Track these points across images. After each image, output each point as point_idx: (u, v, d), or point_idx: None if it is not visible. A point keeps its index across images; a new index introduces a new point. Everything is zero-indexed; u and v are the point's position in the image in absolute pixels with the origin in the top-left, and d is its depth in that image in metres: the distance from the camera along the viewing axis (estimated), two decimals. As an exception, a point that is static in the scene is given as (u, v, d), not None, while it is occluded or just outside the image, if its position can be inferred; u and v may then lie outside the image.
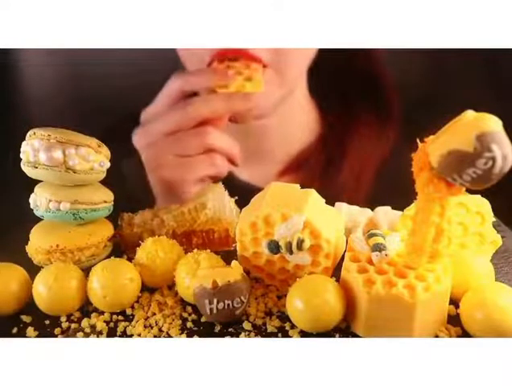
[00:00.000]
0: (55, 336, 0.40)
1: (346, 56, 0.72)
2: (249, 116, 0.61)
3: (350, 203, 0.51)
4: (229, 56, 0.59)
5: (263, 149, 0.75)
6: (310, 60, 0.67)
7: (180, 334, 0.40)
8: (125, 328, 0.40)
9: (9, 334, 0.40)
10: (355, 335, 0.39)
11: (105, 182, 0.48)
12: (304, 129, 0.78)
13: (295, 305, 0.39)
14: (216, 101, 0.56)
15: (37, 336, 0.40)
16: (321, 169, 0.75)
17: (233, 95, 0.56)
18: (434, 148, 0.34)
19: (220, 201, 0.50)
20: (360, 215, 0.50)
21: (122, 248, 0.50)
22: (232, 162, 0.59)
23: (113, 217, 0.50)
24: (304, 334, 0.39)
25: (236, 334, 0.39)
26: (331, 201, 0.48)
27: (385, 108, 0.78)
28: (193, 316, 0.41)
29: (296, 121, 0.76)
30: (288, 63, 0.63)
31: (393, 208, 0.50)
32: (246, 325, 0.40)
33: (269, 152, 0.75)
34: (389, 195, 0.52)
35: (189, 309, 0.42)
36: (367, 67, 0.77)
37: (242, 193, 0.51)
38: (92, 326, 0.41)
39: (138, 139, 0.59)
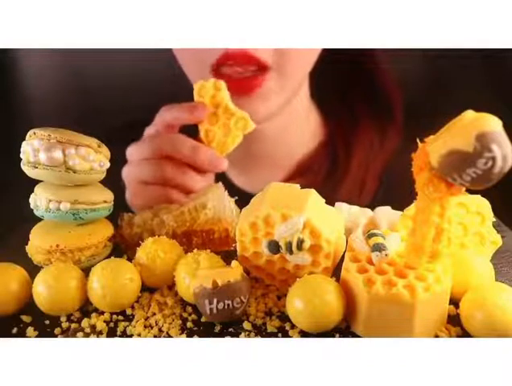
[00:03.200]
0: (55, 336, 0.40)
1: (348, 59, 0.72)
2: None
3: (352, 203, 0.51)
4: (231, 60, 0.59)
5: (264, 155, 0.74)
6: (312, 63, 0.66)
7: (180, 334, 0.40)
8: (125, 328, 0.40)
9: (9, 334, 0.40)
10: (355, 335, 0.39)
11: (105, 183, 0.49)
12: (307, 135, 0.77)
13: (295, 305, 0.39)
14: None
15: (37, 336, 0.40)
16: (325, 174, 0.75)
17: (202, 150, 0.56)
18: (434, 148, 0.34)
19: (220, 201, 0.50)
20: (360, 215, 0.50)
21: (122, 248, 0.51)
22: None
23: (113, 217, 0.50)
24: (304, 334, 0.39)
25: (236, 334, 0.39)
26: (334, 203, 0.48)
27: (388, 111, 0.78)
28: (193, 316, 0.41)
29: (299, 126, 0.75)
30: (291, 66, 0.62)
31: (393, 208, 0.50)
32: (246, 325, 0.40)
33: (270, 158, 0.74)
34: (389, 195, 0.52)
35: (189, 309, 0.42)
36: (369, 70, 0.77)
37: (241, 195, 0.51)
38: (92, 326, 0.41)
39: (127, 153, 0.60)
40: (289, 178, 0.74)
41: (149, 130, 0.60)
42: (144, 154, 0.57)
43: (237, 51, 0.58)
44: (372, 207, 0.51)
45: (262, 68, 0.60)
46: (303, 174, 0.75)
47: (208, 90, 0.56)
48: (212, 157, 0.56)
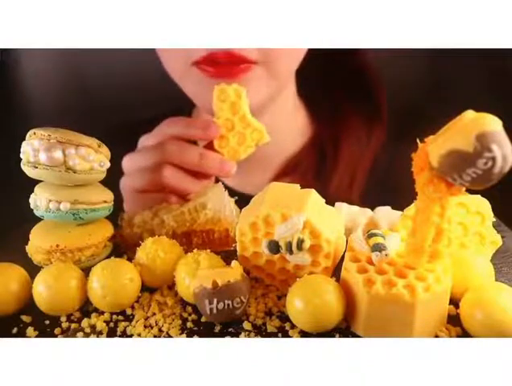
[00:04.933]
0: (55, 336, 0.40)
1: (334, 58, 0.72)
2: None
3: (341, 200, 0.51)
4: (215, 58, 0.59)
5: (252, 154, 0.74)
6: (300, 59, 0.67)
7: (180, 334, 0.40)
8: (125, 328, 0.40)
9: (9, 334, 0.40)
10: (355, 335, 0.39)
11: (105, 183, 0.49)
12: (295, 132, 0.77)
13: (295, 305, 0.39)
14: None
15: (37, 336, 0.40)
16: (313, 172, 0.75)
17: (207, 155, 0.55)
18: (434, 148, 0.34)
19: (220, 201, 0.50)
20: (360, 215, 0.50)
21: (122, 248, 0.50)
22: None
23: (113, 217, 0.50)
24: (304, 334, 0.39)
25: (236, 334, 0.39)
26: (327, 203, 0.48)
27: (373, 109, 0.78)
28: (193, 316, 0.41)
29: (286, 124, 0.75)
30: (278, 61, 0.62)
31: (393, 208, 0.50)
32: (246, 325, 0.40)
33: (258, 156, 0.74)
34: (388, 195, 0.52)
35: (189, 309, 0.42)
36: (355, 68, 0.77)
37: (232, 195, 0.51)
38: (92, 326, 0.41)
39: (123, 164, 0.59)
40: (277, 177, 0.74)
41: (146, 141, 0.58)
42: (144, 163, 0.56)
43: (221, 51, 0.58)
44: (366, 203, 0.51)
45: (248, 63, 0.60)
46: (292, 172, 0.75)
47: (230, 95, 0.55)
48: (221, 162, 0.55)
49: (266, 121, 0.69)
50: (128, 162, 0.58)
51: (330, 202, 0.50)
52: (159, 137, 0.57)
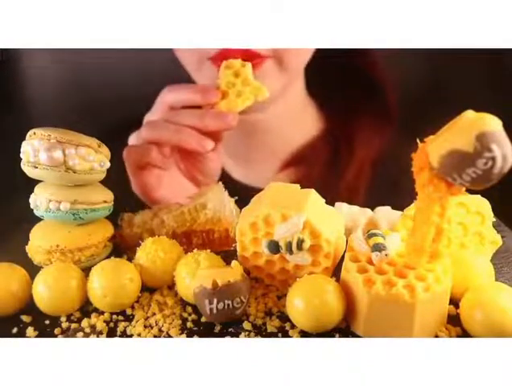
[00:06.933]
0: (55, 336, 0.40)
1: (345, 57, 0.72)
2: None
3: (350, 202, 0.51)
4: (229, 54, 0.59)
5: (260, 147, 0.75)
6: (309, 54, 0.67)
7: (180, 334, 0.40)
8: (125, 328, 0.40)
9: (9, 334, 0.40)
10: (355, 335, 0.39)
11: (105, 183, 0.49)
12: (303, 127, 0.78)
13: (295, 305, 0.39)
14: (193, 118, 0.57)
15: (37, 336, 0.40)
16: (319, 166, 0.75)
17: (207, 113, 0.57)
18: (434, 148, 0.34)
19: (220, 201, 0.50)
20: (360, 215, 0.50)
21: (122, 248, 0.51)
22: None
23: (113, 217, 0.50)
24: (304, 334, 0.39)
25: (236, 334, 0.39)
26: (330, 200, 0.48)
27: (383, 110, 0.78)
28: (193, 316, 0.41)
29: (295, 119, 0.76)
30: (289, 55, 0.63)
31: (393, 208, 0.50)
32: (246, 325, 0.40)
33: (267, 150, 0.75)
34: (389, 195, 0.52)
35: (189, 309, 0.42)
36: (366, 69, 0.78)
37: (239, 188, 0.52)
38: (92, 326, 0.41)
39: (130, 139, 0.60)
40: (283, 169, 0.75)
41: (149, 117, 0.60)
42: (151, 135, 0.57)
43: (232, 49, 0.59)
44: (367, 203, 0.51)
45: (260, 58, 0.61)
46: (298, 166, 0.75)
47: (235, 65, 0.58)
48: (222, 115, 0.56)
49: (276, 114, 0.69)
50: (132, 138, 0.59)
51: (334, 198, 0.50)
52: (161, 108, 0.59)
